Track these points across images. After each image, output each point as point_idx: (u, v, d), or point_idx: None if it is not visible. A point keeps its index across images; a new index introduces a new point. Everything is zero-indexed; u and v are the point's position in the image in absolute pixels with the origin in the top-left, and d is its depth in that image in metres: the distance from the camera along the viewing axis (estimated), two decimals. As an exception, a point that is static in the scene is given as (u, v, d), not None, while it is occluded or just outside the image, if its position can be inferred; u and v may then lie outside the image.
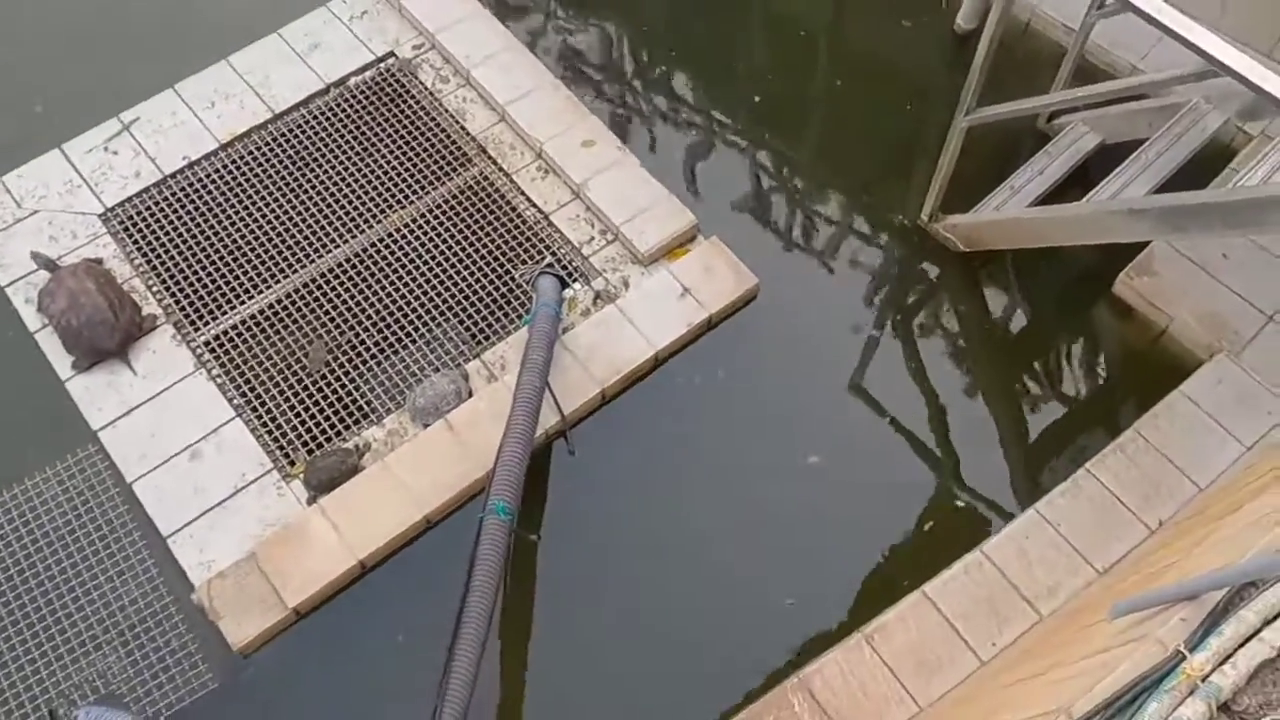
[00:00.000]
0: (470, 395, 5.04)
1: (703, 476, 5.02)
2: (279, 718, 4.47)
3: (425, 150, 5.83)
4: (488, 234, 5.58)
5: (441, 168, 5.78)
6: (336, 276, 5.46)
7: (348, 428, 5.06)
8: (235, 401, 5.09)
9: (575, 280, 5.41)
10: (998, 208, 5.44)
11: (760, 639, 4.63)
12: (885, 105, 6.10)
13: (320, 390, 5.17)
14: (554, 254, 5.49)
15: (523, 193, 5.67)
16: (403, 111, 5.97)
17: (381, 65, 6.11)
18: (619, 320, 5.21)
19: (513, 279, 5.44)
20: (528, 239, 5.56)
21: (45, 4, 6.53)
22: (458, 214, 5.64)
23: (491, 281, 5.45)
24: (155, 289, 5.40)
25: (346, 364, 5.25)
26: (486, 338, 5.30)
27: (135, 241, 5.55)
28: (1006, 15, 4.57)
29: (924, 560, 4.76)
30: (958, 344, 5.44)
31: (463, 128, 5.87)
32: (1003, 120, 5.10)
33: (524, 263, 5.48)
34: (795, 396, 5.24)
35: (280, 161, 5.80)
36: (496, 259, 5.51)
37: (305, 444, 5.02)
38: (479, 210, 5.65)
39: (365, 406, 5.13)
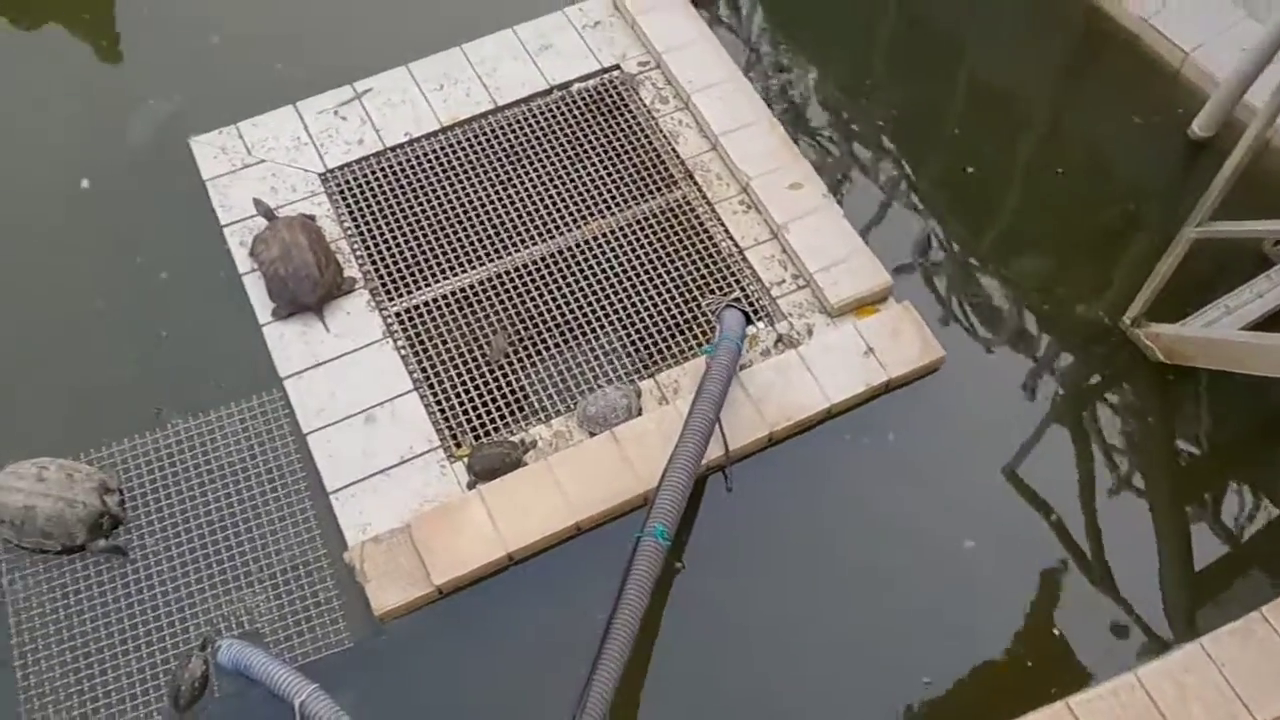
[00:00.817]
0: (640, 413, 5.08)
1: (854, 537, 4.95)
2: (404, 689, 4.56)
3: (634, 165, 5.93)
4: (680, 258, 5.63)
5: (647, 185, 5.87)
6: (529, 273, 5.59)
7: (515, 421, 5.16)
8: (415, 375, 5.25)
9: (760, 319, 5.41)
10: (1208, 325, 5.23)
11: (887, 713, 4.54)
12: (1101, 198, 5.93)
13: (495, 380, 5.29)
14: (743, 289, 5.51)
15: (722, 223, 5.70)
16: (618, 124, 6.08)
17: (605, 76, 6.23)
18: (798, 367, 5.19)
19: (698, 306, 5.48)
20: (719, 270, 5.59)
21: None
22: (654, 233, 5.70)
23: (676, 305, 5.49)
24: (359, 253, 5.61)
25: (524, 359, 5.35)
26: (663, 358, 5.34)
27: (348, 205, 5.78)
28: (1263, 136, 4.41)
29: (1069, 668, 4.61)
30: (1134, 452, 5.24)
31: (674, 150, 5.95)
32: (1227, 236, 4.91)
33: (712, 292, 5.51)
34: (960, 475, 5.13)
35: (494, 153, 5.97)
36: (684, 284, 5.56)
37: (473, 429, 5.13)
38: (675, 233, 5.71)
39: (535, 404, 5.22)
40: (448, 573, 4.67)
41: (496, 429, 5.13)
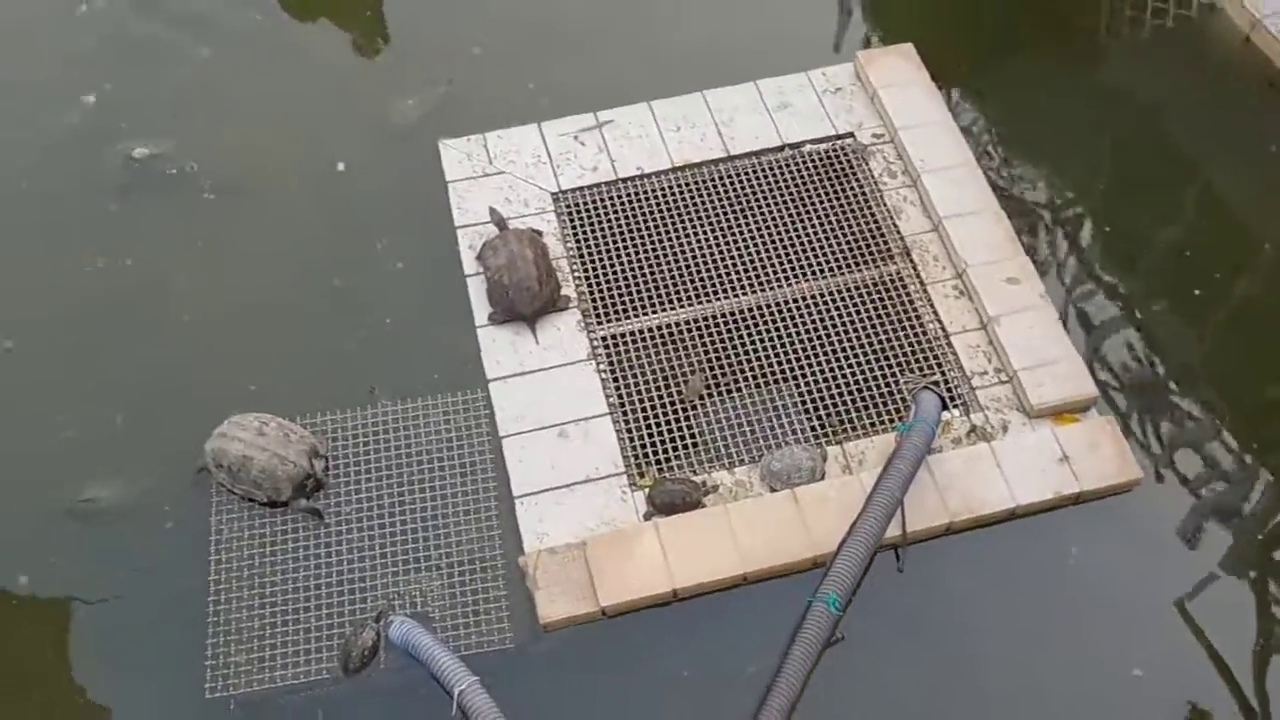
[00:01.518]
0: (823, 477, 5.14)
1: (1017, 644, 4.87)
2: (556, 699, 4.72)
3: (852, 234, 6.00)
4: (883, 332, 5.67)
5: (862, 255, 5.94)
6: (734, 320, 5.72)
7: (700, 462, 5.29)
8: (611, 400, 5.44)
9: (956, 406, 5.40)
10: None
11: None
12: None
13: (686, 419, 5.43)
14: (943, 374, 5.51)
15: (932, 305, 5.72)
16: (843, 191, 6.17)
17: (838, 142, 6.34)
18: (988, 461, 5.15)
19: (895, 383, 5.50)
20: (921, 350, 5.61)
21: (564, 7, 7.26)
22: (862, 303, 5.76)
23: (873, 377, 5.53)
24: (577, 274, 5.86)
25: (718, 403, 5.48)
26: (853, 428, 5.39)
27: (574, 226, 6.05)
28: None
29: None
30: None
31: (895, 225, 6.00)
32: None
33: (911, 371, 5.53)
34: (1138, 600, 4.99)
35: (718, 199, 6.14)
36: (884, 358, 5.59)
37: (658, 462, 5.29)
38: (883, 306, 5.76)
39: (721, 449, 5.33)
40: (614, 596, 4.82)
41: (680, 466, 5.27)
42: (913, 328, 5.70)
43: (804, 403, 5.47)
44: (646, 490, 5.15)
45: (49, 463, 5.36)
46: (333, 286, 5.89)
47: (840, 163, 6.28)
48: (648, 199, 6.16)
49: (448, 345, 5.65)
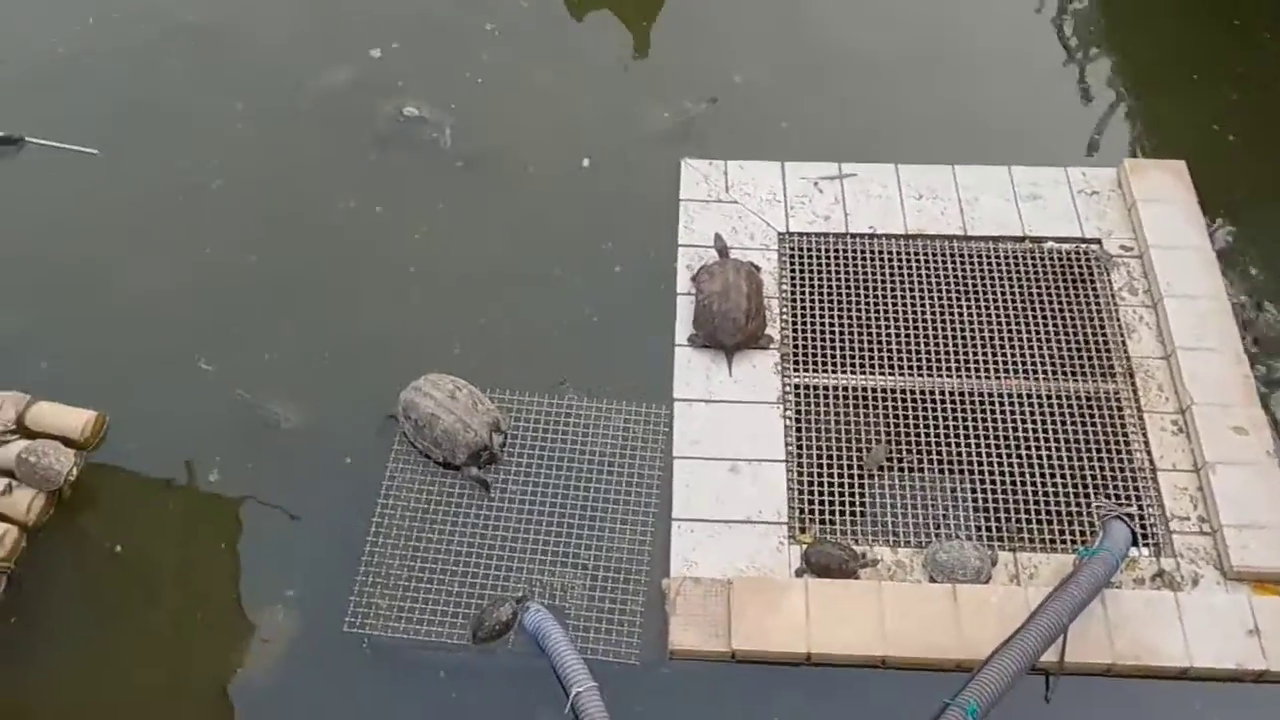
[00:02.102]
0: (988, 580, 4.93)
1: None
2: (666, 725, 4.72)
3: (1076, 342, 5.75)
4: (1085, 449, 5.40)
5: (1081, 366, 5.68)
6: (930, 399, 5.57)
7: (864, 533, 5.17)
8: (790, 448, 5.39)
9: (1147, 544, 5.09)
10: None
11: None
12: None
13: (861, 486, 5.32)
14: (1140, 508, 5.20)
15: (1145, 435, 5.41)
16: (1076, 296, 5.92)
17: (1083, 246, 6.10)
18: (1169, 611, 4.83)
19: (1086, 504, 5.23)
20: (1122, 478, 5.31)
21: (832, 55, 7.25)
22: (1069, 414, 5.51)
23: (1063, 492, 5.27)
24: (785, 317, 5.83)
25: (896, 478, 5.35)
26: (1030, 539, 5.14)
27: (793, 270, 6.02)
28: None
29: None
30: None
31: (1124, 343, 5.72)
32: None
33: (1107, 497, 5.24)
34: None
35: (944, 275, 6.00)
36: (1081, 475, 5.32)
37: (822, 521, 5.20)
38: (1091, 424, 5.48)
39: (888, 524, 5.20)
40: (748, 641, 4.75)
41: (844, 531, 5.16)
42: (1119, 453, 5.40)
43: (984, 500, 5.27)
44: (804, 546, 5.07)
45: (252, 375, 5.71)
46: (552, 274, 6.07)
47: (1080, 267, 6.03)
48: (873, 259, 6.07)
49: (644, 356, 5.72)
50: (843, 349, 5.75)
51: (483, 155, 6.57)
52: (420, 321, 5.93)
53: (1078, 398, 5.58)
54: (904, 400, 5.58)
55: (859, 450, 5.43)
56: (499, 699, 4.79)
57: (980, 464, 5.37)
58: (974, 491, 5.30)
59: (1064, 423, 5.49)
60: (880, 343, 5.77)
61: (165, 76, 6.98)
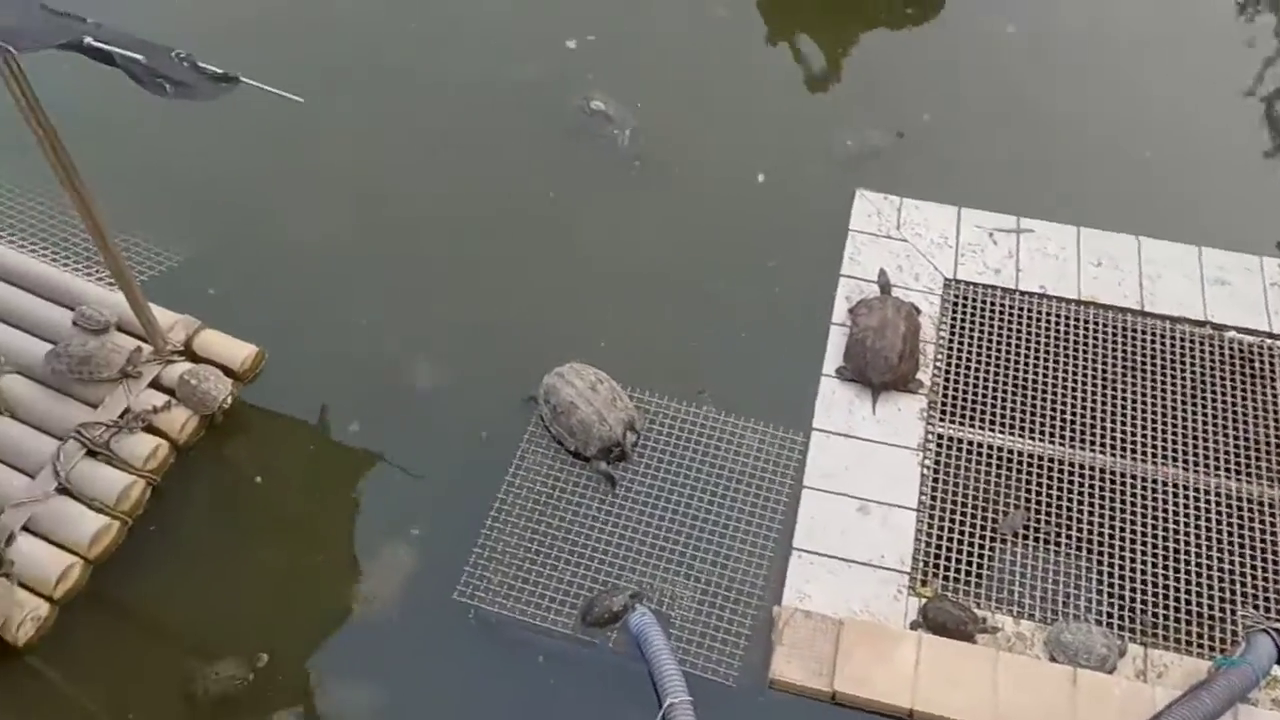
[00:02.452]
0: (1112, 671, 4.70)
1: None
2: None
3: (1247, 439, 5.44)
4: (1241, 551, 5.10)
5: (1249, 464, 5.37)
6: (1078, 473, 5.34)
7: (988, 597, 4.99)
8: (923, 498, 5.25)
9: (1292, 666, 4.78)
10: None
11: None
12: None
13: (992, 549, 5.14)
14: (1292, 627, 4.88)
15: (1309, 550, 5.09)
16: (1254, 391, 5.60)
17: (1268, 341, 5.77)
18: (1306, 740, 4.52)
19: (1233, 611, 4.93)
20: (1275, 591, 4.99)
21: (1026, 107, 7.04)
22: (1228, 512, 5.21)
23: (1208, 593, 4.98)
24: (938, 364, 5.69)
25: (1029, 548, 5.15)
26: (1164, 636, 4.87)
27: (953, 317, 5.87)
28: None
29: None
30: None
31: (1299, 449, 5.39)
32: None
33: (1255, 608, 4.94)
34: None
35: (1112, 348, 5.76)
36: (1230, 580, 5.02)
37: (945, 577, 5.04)
38: (1251, 526, 5.17)
39: (1014, 594, 5.00)
40: (850, 685, 4.64)
41: (966, 592, 5.00)
42: (1274, 561, 5.08)
43: (1120, 586, 5.02)
44: (924, 600, 4.92)
45: (405, 335, 5.86)
46: (710, 284, 6.06)
47: (1262, 362, 5.71)
48: (1040, 320, 5.87)
49: (788, 380, 5.66)
50: (993, 406, 5.58)
51: (660, 157, 6.61)
52: (573, 309, 6.00)
53: (1238, 498, 5.27)
54: (1050, 469, 5.37)
55: (995, 512, 5.25)
56: (593, 694, 4.79)
57: (1121, 548, 5.12)
58: (1110, 576, 5.06)
59: (1219, 521, 5.20)
60: (1034, 406, 5.57)
61: (378, 42, 7.24)
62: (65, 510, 5.07)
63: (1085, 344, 5.79)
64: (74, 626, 4.93)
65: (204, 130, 6.49)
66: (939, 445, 5.44)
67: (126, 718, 4.76)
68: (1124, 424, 5.50)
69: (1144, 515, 5.21)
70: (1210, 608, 4.96)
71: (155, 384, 5.48)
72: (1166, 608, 4.96)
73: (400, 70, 7.06)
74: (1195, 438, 5.46)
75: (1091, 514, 5.23)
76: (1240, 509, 5.24)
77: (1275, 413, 5.53)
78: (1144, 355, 5.74)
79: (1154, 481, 5.32)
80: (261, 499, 5.36)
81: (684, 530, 5.18)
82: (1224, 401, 5.58)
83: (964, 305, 5.93)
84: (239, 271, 6.11)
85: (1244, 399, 5.59)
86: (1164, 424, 5.50)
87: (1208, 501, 5.25)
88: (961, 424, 5.52)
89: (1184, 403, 5.58)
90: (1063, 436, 5.48)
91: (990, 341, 5.80)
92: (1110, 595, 5.00)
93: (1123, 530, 5.18)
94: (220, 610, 5.03)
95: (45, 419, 5.32)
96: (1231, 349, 5.76)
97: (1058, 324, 5.86)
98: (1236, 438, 5.47)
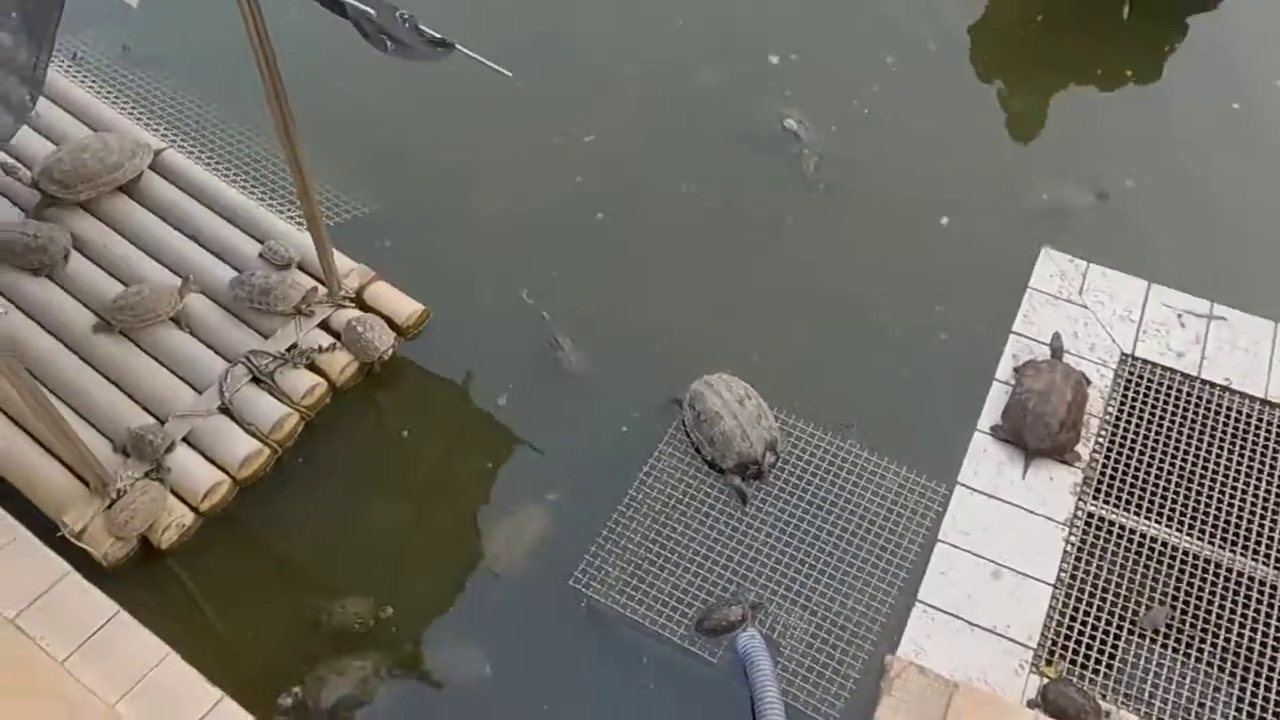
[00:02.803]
0: (1239, 796, 4.42)
1: None
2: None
3: None
4: (1403, 700, 4.73)
5: None
6: (1234, 580, 5.03)
7: (1114, 691, 4.74)
8: (1062, 574, 5.02)
9: None
10: None
11: None
12: None
13: (1127, 641, 4.88)
14: None
15: None
16: None
17: None
18: None
19: (1383, 759, 4.58)
20: None
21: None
22: (1395, 655, 4.84)
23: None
24: (1100, 440, 5.44)
25: (1167, 648, 4.87)
26: (1302, 771, 4.57)
27: (1125, 395, 5.61)
28: None
29: None
30: None
31: None
32: None
33: None
34: None
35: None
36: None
37: (1071, 661, 4.82)
38: None
39: (1144, 694, 4.74)
40: (954, 752, 4.49)
41: (1092, 681, 4.76)
42: None
43: (1259, 706, 4.70)
44: (1046, 680, 4.71)
45: (564, 319, 5.92)
46: (876, 318, 5.94)
47: None
48: (1218, 414, 5.55)
49: (940, 429, 5.51)
50: (1153, 494, 5.30)
51: (845, 184, 6.52)
52: (732, 320, 5.97)
53: None
54: (1203, 569, 5.07)
55: (1137, 604, 4.99)
56: (690, 706, 4.77)
57: (1267, 667, 4.80)
58: (1251, 693, 4.74)
59: (1384, 661, 4.83)
60: (1197, 501, 5.27)
61: (586, 36, 7.35)
62: (223, 430, 5.32)
63: (1264, 447, 5.44)
64: (212, 540, 5.16)
65: (410, 90, 6.72)
66: (1087, 523, 5.20)
67: (246, 633, 4.96)
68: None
69: (1300, 638, 4.89)
70: (1359, 751, 4.61)
71: (324, 325, 5.71)
72: (1309, 740, 4.63)
73: (602, 65, 7.16)
74: (1372, 567, 5.08)
75: (1241, 624, 4.92)
76: None
77: None
78: (1328, 470, 5.38)
79: (1317, 605, 4.97)
80: (404, 452, 5.51)
81: (807, 560, 5.10)
82: None
83: (1138, 384, 5.66)
84: (419, 231, 6.29)
85: None
86: (1339, 546, 5.14)
87: (1375, 637, 4.89)
88: (1116, 506, 5.26)
89: (1365, 528, 5.20)
90: (1223, 538, 5.17)
91: (1160, 426, 5.51)
92: (1251, 715, 4.69)
93: (1273, 649, 4.85)
94: (349, 551, 5.19)
95: (219, 341, 5.59)
96: None
97: (1238, 421, 5.53)
98: None
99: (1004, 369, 5.65)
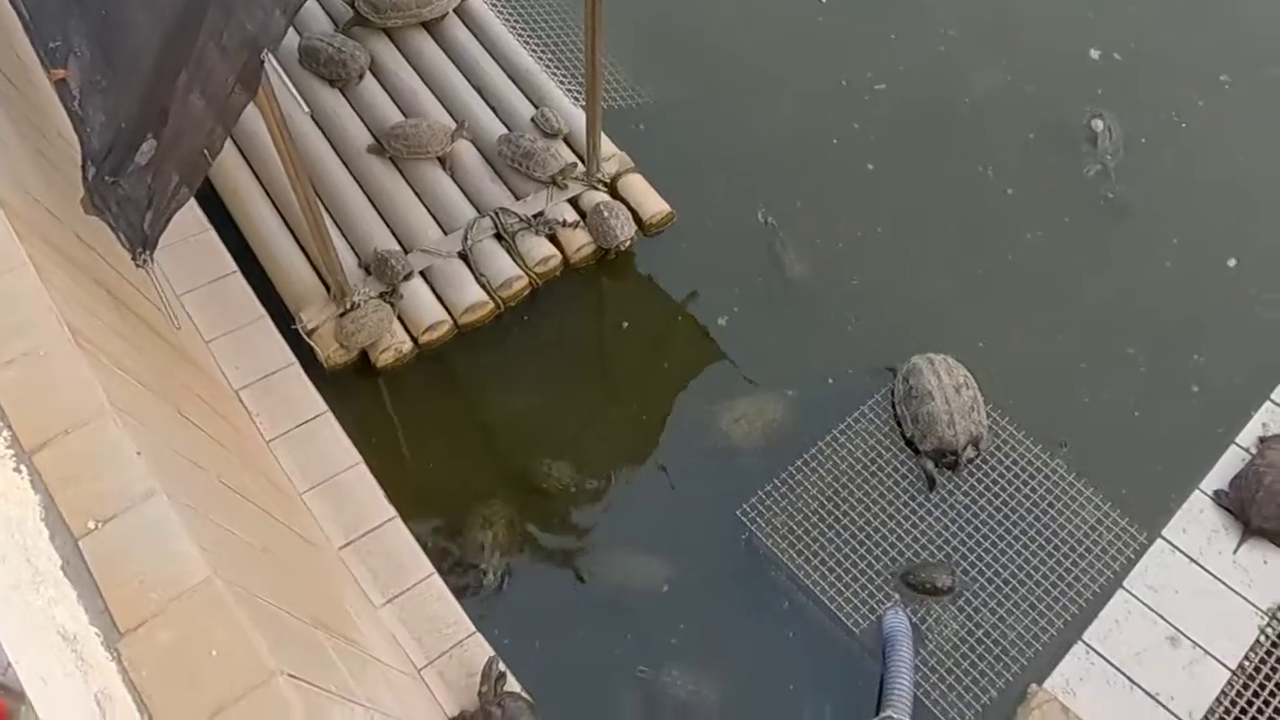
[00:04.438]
0: None
1: None
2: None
3: None
4: None
5: None
6: None
7: (1265, 798, 4.44)
8: (1245, 663, 4.67)
9: None
10: None
11: None
12: None
13: (1295, 753, 4.54)
14: None
15: None
16: None
17: None
18: None
19: None
20: None
21: None
22: None
23: None
24: (1333, 540, 4.99)
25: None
26: None
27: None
28: None
29: None
30: None
31: None
32: None
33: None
34: None
35: None
36: None
37: (1229, 754, 4.52)
38: None
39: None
40: (1074, 801, 4.31)
41: (1245, 781, 4.47)
42: None
43: None
44: (1193, 764, 4.45)
45: (800, 264, 5.85)
46: (1126, 347, 5.58)
47: None
48: None
49: (1157, 477, 5.18)
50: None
51: (1134, 198, 6.09)
52: (969, 303, 5.75)
53: None
54: None
55: (1319, 720, 4.61)
56: (820, 665, 4.75)
57: None
58: None
59: None
60: None
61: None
62: (458, 274, 5.55)
63: None
64: (422, 372, 5.45)
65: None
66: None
67: (428, 464, 5.23)
68: None
69: None
70: None
71: (573, 201, 5.84)
72: None
73: (917, 17, 6.91)
74: None
75: None
76: None
77: None
78: None
79: None
80: (621, 342, 5.64)
81: (978, 564, 4.94)
82: None
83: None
84: (686, 133, 6.32)
85: None
86: None
87: None
88: (1327, 614, 4.84)
89: None
90: None
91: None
92: None
93: None
94: (548, 418, 5.35)
95: (475, 191, 5.81)
96: None
97: None
98: None
99: (1248, 435, 5.23)
